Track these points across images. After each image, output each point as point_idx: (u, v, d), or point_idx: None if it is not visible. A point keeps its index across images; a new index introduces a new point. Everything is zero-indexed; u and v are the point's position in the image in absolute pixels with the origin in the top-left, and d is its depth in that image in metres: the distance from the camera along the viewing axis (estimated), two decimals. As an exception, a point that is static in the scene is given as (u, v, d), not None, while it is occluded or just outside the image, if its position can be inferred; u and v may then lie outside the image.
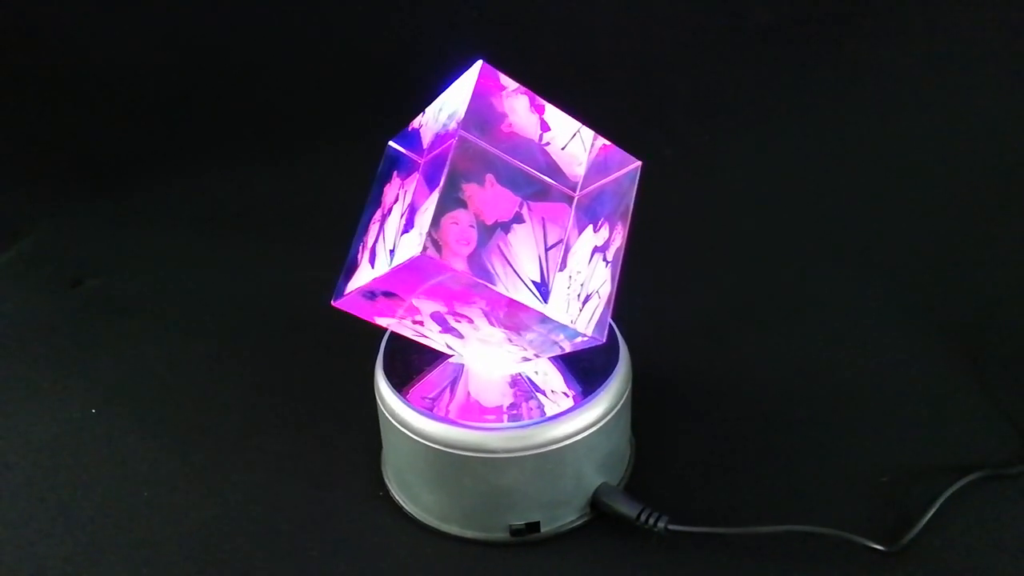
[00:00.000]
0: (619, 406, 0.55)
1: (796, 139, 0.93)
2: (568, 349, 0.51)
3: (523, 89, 0.49)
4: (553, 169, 0.49)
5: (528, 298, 0.46)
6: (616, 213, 0.51)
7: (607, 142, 0.51)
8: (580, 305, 0.48)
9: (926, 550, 0.53)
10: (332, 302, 0.51)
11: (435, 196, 0.44)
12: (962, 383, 0.65)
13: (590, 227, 0.49)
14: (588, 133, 0.51)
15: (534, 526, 0.54)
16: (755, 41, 0.96)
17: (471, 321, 0.49)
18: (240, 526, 0.57)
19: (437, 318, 0.50)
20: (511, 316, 0.48)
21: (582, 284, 0.48)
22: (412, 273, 0.45)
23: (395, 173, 0.52)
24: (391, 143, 0.54)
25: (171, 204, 0.95)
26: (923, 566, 0.52)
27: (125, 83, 1.02)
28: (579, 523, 0.56)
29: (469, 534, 0.55)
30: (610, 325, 0.56)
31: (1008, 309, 0.72)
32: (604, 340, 0.48)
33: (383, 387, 0.56)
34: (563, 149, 0.49)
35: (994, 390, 0.64)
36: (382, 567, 0.54)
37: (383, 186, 0.53)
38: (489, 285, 0.45)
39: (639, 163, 0.52)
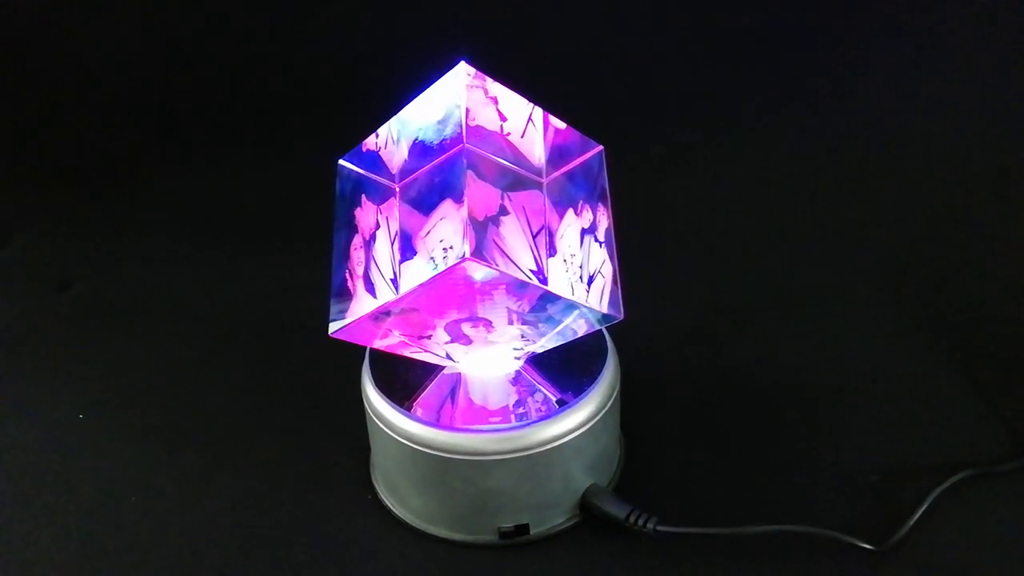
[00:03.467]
0: (608, 407, 0.54)
1: (790, 138, 0.93)
2: (582, 332, 0.51)
3: (479, 77, 0.49)
4: (519, 159, 0.49)
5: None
6: (594, 195, 0.51)
7: (561, 124, 0.51)
8: (586, 287, 0.48)
9: (915, 549, 0.53)
10: (331, 333, 0.49)
11: (463, 208, 0.44)
12: (950, 381, 0.65)
13: (571, 211, 0.49)
14: (539, 114, 0.51)
15: (523, 528, 0.54)
16: (748, 39, 0.96)
17: (489, 324, 0.49)
18: (228, 530, 0.57)
19: (451, 328, 0.50)
20: (536, 309, 0.48)
21: (580, 266, 0.48)
22: (451, 281, 0.45)
23: (364, 196, 0.51)
24: (343, 162, 0.53)
25: (160, 208, 0.95)
26: (913, 565, 0.52)
27: (113, 86, 1.02)
28: (568, 525, 0.55)
29: (458, 537, 0.55)
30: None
31: (997, 307, 0.72)
32: (622, 316, 0.49)
33: (370, 390, 0.55)
34: (523, 137, 0.49)
35: (982, 388, 0.64)
36: (370, 570, 0.54)
37: (352, 209, 0.51)
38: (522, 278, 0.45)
39: (601, 147, 0.52)
